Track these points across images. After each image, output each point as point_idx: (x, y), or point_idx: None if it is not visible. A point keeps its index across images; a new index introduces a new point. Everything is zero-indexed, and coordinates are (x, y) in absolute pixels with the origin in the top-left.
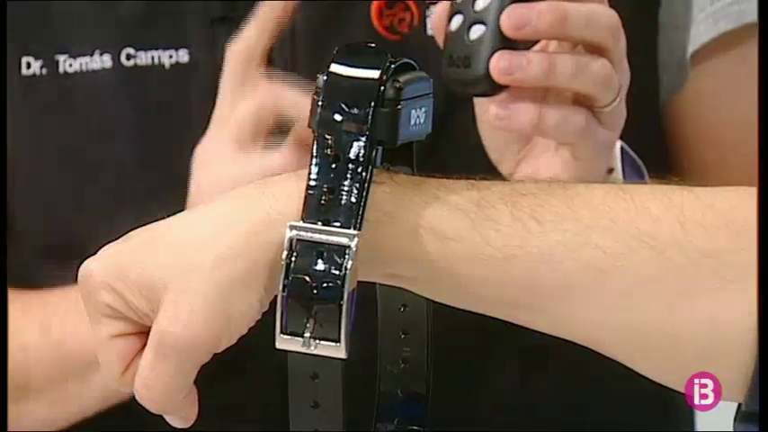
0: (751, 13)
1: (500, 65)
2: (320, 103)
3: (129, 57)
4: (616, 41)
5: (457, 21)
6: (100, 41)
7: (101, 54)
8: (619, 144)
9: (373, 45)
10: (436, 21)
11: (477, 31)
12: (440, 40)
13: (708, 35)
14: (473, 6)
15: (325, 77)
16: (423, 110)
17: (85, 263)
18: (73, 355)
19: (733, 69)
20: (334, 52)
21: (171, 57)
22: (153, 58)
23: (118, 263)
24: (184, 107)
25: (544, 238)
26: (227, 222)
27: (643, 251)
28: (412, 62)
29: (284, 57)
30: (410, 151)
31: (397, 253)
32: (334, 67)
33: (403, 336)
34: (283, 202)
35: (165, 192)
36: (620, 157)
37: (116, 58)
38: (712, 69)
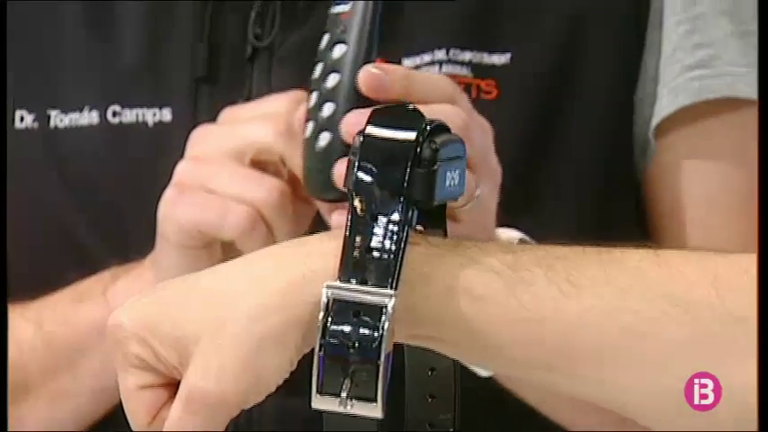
0: (711, 89)
1: (341, 171)
2: (357, 163)
3: (115, 114)
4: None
5: (309, 127)
6: (89, 97)
7: (89, 110)
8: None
9: (410, 107)
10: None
11: (324, 139)
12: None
13: (668, 109)
14: (320, 113)
15: (361, 139)
16: (457, 171)
17: (115, 313)
18: (63, 344)
19: (693, 143)
20: (370, 114)
21: (155, 115)
22: (137, 115)
23: (148, 314)
24: (166, 164)
25: (579, 301)
26: (260, 279)
27: (678, 316)
28: (445, 124)
29: None
30: (443, 213)
31: (431, 314)
32: (371, 129)
33: (430, 399)
34: (318, 260)
35: (148, 246)
36: None
37: (103, 115)
38: (672, 143)
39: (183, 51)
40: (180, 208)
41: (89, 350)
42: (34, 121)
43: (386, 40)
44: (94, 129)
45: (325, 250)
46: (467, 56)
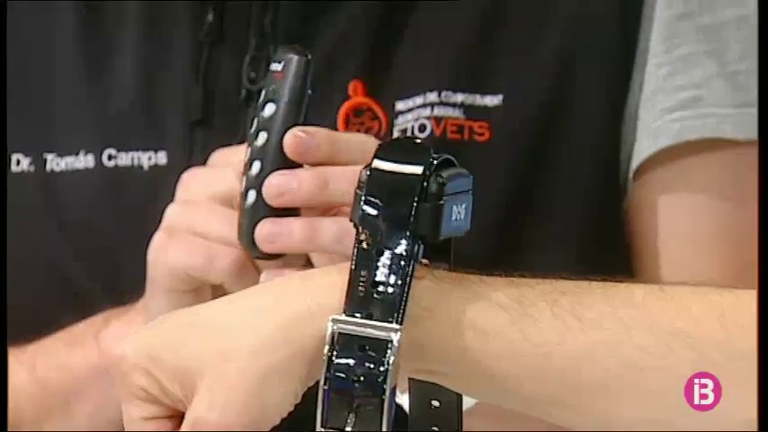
0: (692, 131)
1: (263, 233)
2: (363, 197)
3: (110, 157)
4: None
5: (242, 184)
6: (85, 141)
7: (85, 153)
8: None
9: (416, 140)
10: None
11: (251, 197)
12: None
13: (647, 151)
14: (249, 170)
15: (367, 173)
16: (463, 206)
17: (120, 344)
18: (57, 388)
19: (668, 182)
20: (377, 148)
21: (150, 158)
22: (133, 158)
23: (152, 345)
24: (161, 208)
25: (584, 335)
26: (265, 311)
27: (683, 351)
28: (452, 158)
29: None
30: (448, 247)
31: (436, 348)
32: (377, 163)
33: None
34: (323, 294)
35: (143, 289)
36: None
37: (98, 159)
38: (648, 181)
39: (178, 95)
40: (169, 252)
41: (82, 393)
42: (30, 164)
43: (377, 84)
44: (90, 172)
45: (330, 284)
46: (459, 98)
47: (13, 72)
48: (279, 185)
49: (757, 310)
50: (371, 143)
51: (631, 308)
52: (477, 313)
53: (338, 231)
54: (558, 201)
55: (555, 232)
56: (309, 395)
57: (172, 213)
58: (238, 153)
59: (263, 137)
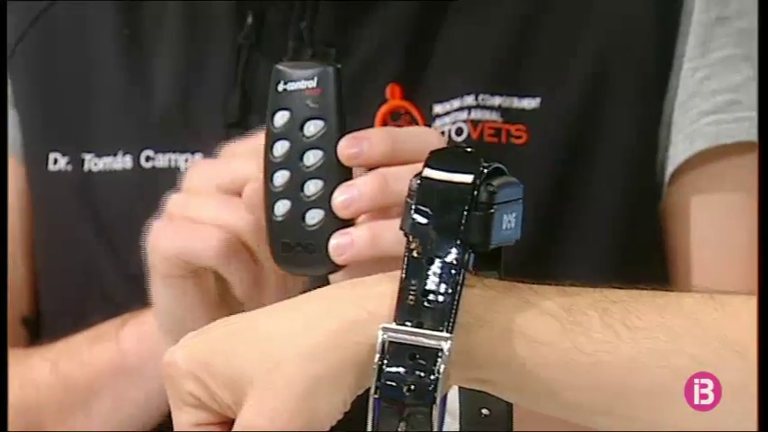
0: (729, 134)
1: (331, 247)
2: (413, 206)
3: (148, 158)
4: None
5: (284, 206)
6: (123, 142)
7: (123, 154)
8: None
9: (467, 149)
10: (250, 202)
11: (314, 217)
12: (260, 222)
13: (684, 155)
14: (303, 192)
15: (418, 182)
16: (513, 215)
17: (170, 350)
18: (78, 384)
19: (702, 186)
20: (428, 156)
21: (187, 160)
22: (170, 160)
23: (202, 352)
24: None
25: (635, 344)
26: (315, 319)
27: (733, 360)
28: (502, 167)
29: None
30: (498, 255)
31: (486, 357)
32: (428, 172)
33: None
34: (374, 302)
35: None
36: None
37: (136, 160)
38: (682, 185)
39: (215, 97)
40: (163, 237)
41: (102, 391)
42: (68, 163)
43: (415, 87)
44: (128, 173)
45: (381, 292)
46: (496, 101)
47: (53, 71)
48: (344, 199)
49: (757, 310)
50: (431, 135)
51: (681, 317)
52: (527, 321)
53: (399, 233)
54: (595, 204)
55: (591, 235)
56: (359, 403)
57: (172, 201)
58: (243, 145)
59: (315, 155)
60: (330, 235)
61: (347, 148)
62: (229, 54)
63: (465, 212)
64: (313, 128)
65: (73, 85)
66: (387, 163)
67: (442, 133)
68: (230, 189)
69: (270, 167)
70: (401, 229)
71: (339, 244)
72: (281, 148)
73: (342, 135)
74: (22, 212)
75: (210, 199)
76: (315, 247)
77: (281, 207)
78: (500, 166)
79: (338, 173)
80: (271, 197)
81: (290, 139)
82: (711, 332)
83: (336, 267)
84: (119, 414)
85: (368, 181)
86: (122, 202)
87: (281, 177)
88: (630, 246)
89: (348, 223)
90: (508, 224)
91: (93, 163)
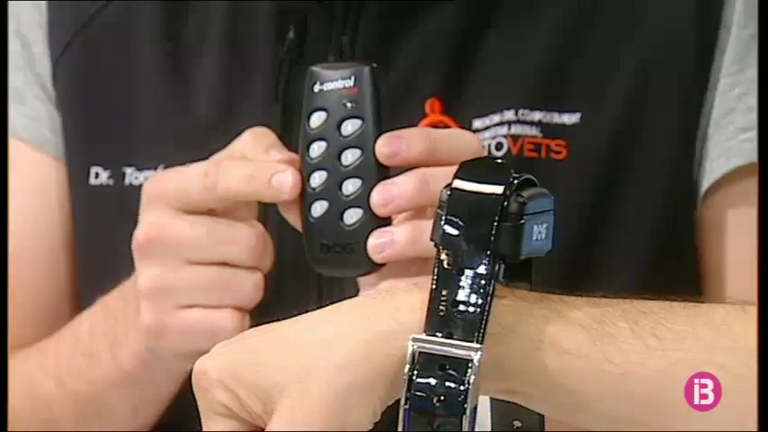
0: None
1: (369, 246)
2: (443, 217)
3: None
4: None
5: (321, 207)
6: (164, 155)
7: (165, 167)
8: None
9: (497, 160)
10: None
11: (353, 216)
12: (296, 224)
13: (721, 170)
14: (341, 192)
15: (448, 193)
16: (544, 225)
17: (201, 359)
18: (88, 400)
19: (739, 204)
20: (458, 168)
21: None
22: None
23: (234, 362)
24: None
25: (664, 355)
26: (347, 330)
27: None
28: (533, 178)
29: None
30: (528, 266)
31: (516, 367)
32: (458, 183)
33: None
34: (405, 313)
35: None
36: None
37: None
38: (717, 201)
39: (257, 111)
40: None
41: (114, 403)
42: (109, 177)
43: (455, 102)
44: None
45: (413, 303)
46: (536, 116)
47: (95, 85)
48: (383, 197)
49: (758, 310)
50: (469, 136)
51: (712, 328)
52: (557, 332)
53: None
54: (633, 217)
55: (628, 248)
56: (389, 414)
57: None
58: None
59: (353, 154)
60: (368, 234)
61: (385, 146)
62: (271, 68)
63: (495, 223)
64: (350, 127)
65: (115, 99)
66: (424, 163)
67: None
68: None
69: (306, 168)
70: (431, 239)
71: (379, 242)
72: (317, 148)
73: (379, 134)
74: (65, 222)
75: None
76: (353, 247)
77: (319, 208)
78: (530, 177)
79: (376, 172)
80: (307, 198)
81: (327, 139)
82: (742, 343)
83: (374, 268)
84: (143, 413)
85: (408, 180)
86: None
87: (318, 178)
88: (666, 258)
89: (386, 223)
90: (539, 235)
91: (134, 176)
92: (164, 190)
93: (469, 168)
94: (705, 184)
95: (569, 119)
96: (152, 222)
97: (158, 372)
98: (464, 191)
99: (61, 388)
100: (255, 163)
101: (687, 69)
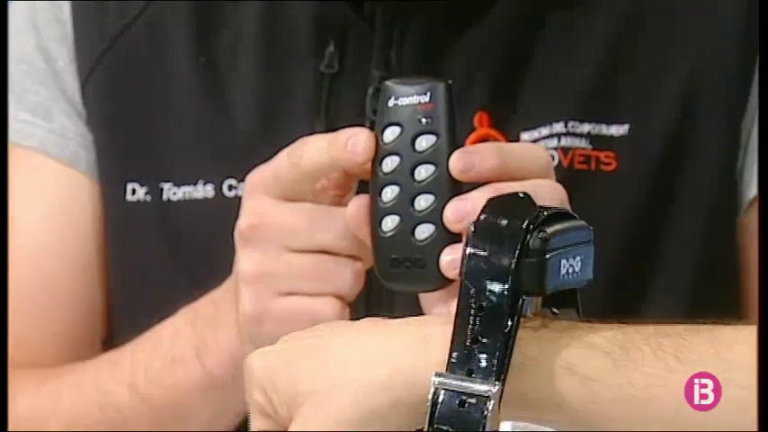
0: None
1: (444, 262)
2: (468, 252)
3: (231, 188)
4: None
5: (393, 221)
6: (204, 171)
7: (204, 184)
8: None
9: (522, 195)
10: (355, 220)
11: (425, 232)
12: (365, 239)
13: None
14: (413, 207)
15: (473, 228)
16: (577, 258)
17: (252, 354)
18: (165, 405)
19: None
20: (485, 204)
21: None
22: None
23: (271, 368)
24: None
25: (686, 377)
26: (377, 355)
27: None
28: (568, 211)
29: None
30: (574, 295)
31: (539, 396)
32: (482, 218)
33: None
34: (433, 344)
35: None
36: None
37: (218, 189)
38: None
39: (298, 126)
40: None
41: (195, 409)
42: (147, 194)
43: (503, 115)
44: (210, 202)
45: (442, 333)
46: (585, 128)
47: (128, 101)
48: (456, 213)
49: (758, 310)
50: (541, 151)
51: (735, 348)
52: (579, 360)
53: None
54: (682, 228)
55: (677, 259)
56: None
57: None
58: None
59: (427, 170)
60: (441, 250)
61: (459, 162)
62: (312, 83)
63: (515, 259)
64: (425, 143)
65: (149, 115)
66: (497, 178)
67: None
68: None
69: (378, 182)
70: (459, 275)
71: (452, 258)
72: (390, 163)
73: (453, 150)
74: (96, 237)
75: None
76: (424, 262)
77: (390, 222)
78: (564, 210)
79: (449, 187)
80: (378, 212)
81: (400, 154)
82: None
83: (445, 283)
84: (221, 419)
85: (481, 195)
86: (204, 231)
87: (390, 192)
88: (712, 275)
89: (458, 239)
90: (570, 269)
91: (171, 192)
92: (262, 178)
93: (494, 204)
94: (750, 195)
95: (617, 130)
96: (253, 210)
97: (240, 375)
98: (487, 226)
99: (135, 395)
100: (335, 133)
101: (731, 80)
